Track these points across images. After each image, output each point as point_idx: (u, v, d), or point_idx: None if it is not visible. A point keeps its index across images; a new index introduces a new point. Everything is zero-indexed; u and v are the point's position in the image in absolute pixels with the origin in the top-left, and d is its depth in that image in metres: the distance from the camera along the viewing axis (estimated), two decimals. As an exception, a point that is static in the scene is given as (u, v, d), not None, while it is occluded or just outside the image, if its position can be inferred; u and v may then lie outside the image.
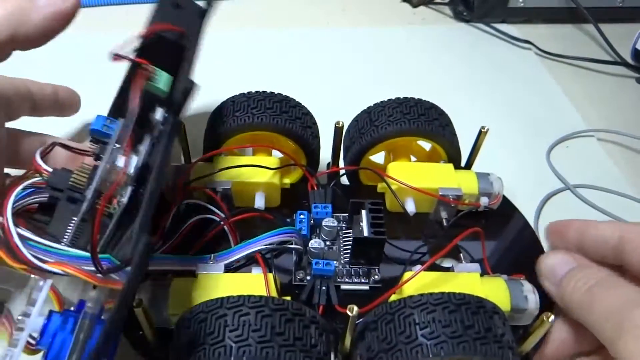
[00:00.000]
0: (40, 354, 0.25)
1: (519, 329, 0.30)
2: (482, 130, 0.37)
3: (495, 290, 0.30)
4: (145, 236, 0.21)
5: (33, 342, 0.25)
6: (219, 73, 0.52)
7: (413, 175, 0.35)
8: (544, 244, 0.39)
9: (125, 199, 0.26)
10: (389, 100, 0.38)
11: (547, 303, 0.30)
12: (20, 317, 0.24)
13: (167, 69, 0.32)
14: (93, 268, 0.25)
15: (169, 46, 0.32)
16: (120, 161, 0.27)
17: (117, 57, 0.28)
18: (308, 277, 0.32)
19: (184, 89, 0.28)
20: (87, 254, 0.25)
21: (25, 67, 0.55)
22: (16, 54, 0.31)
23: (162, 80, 0.29)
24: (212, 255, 0.31)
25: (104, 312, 0.25)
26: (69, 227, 0.27)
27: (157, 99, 0.29)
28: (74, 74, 0.53)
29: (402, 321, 0.25)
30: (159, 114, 0.30)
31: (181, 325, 0.26)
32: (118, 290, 0.26)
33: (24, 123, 0.48)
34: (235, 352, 0.23)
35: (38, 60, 0.55)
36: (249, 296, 0.25)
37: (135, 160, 0.27)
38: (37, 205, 0.28)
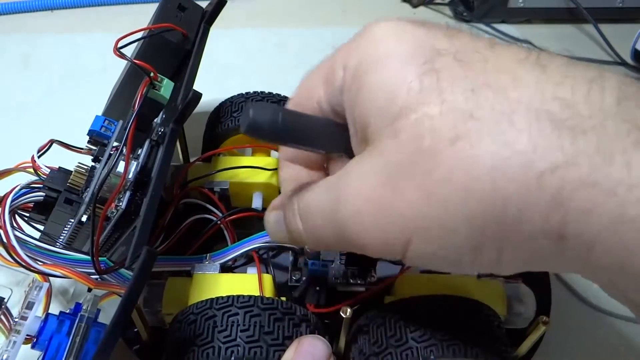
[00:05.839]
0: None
1: (514, 332, 0.30)
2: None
3: (491, 292, 0.30)
4: (147, 248, 0.21)
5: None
6: (219, 73, 0.52)
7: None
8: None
9: (123, 204, 0.26)
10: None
11: (544, 306, 0.29)
12: (17, 320, 0.24)
13: (168, 70, 0.32)
14: (88, 270, 0.25)
15: (170, 48, 0.32)
16: (120, 167, 0.27)
17: (119, 54, 0.28)
18: (304, 278, 0.32)
19: (186, 98, 0.27)
20: (83, 257, 0.25)
21: (27, 69, 0.55)
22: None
23: (165, 87, 0.29)
24: (208, 255, 0.31)
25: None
26: (65, 229, 0.27)
27: (158, 106, 0.29)
28: (73, 75, 0.54)
29: (393, 324, 0.25)
30: (159, 119, 0.30)
31: (173, 326, 0.26)
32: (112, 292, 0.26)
33: (21, 122, 0.49)
34: (224, 353, 0.24)
35: (38, 60, 0.56)
36: (238, 296, 0.26)
37: (134, 166, 0.27)
38: (32, 204, 0.28)
